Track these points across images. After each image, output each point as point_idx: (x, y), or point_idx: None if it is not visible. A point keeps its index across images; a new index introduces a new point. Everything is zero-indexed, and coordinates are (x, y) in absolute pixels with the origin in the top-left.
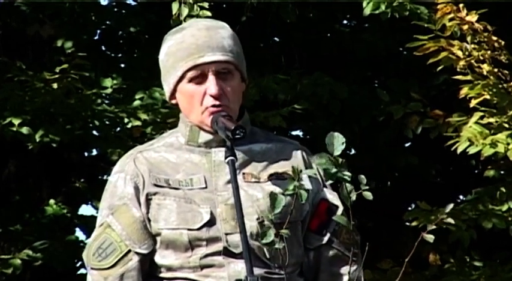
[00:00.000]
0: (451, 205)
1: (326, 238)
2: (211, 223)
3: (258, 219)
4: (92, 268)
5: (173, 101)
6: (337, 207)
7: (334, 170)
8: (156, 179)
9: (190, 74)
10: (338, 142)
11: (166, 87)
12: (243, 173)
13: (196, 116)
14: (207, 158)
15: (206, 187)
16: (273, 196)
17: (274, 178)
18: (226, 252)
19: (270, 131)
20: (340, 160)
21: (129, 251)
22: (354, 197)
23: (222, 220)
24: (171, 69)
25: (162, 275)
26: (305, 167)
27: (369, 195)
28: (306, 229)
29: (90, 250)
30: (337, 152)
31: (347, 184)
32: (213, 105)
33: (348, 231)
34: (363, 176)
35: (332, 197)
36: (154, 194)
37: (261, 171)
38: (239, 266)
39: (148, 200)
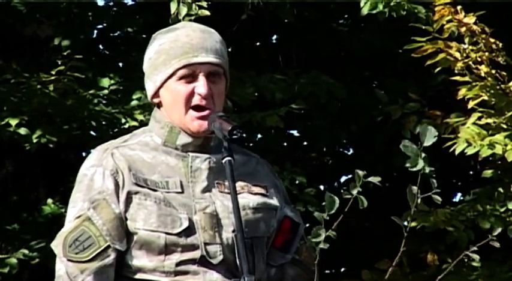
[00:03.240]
0: (499, 230)
1: (290, 256)
2: (190, 229)
3: (233, 231)
4: (68, 260)
5: (155, 100)
6: (298, 224)
7: (418, 161)
8: (137, 178)
9: (181, 73)
10: (431, 135)
11: (150, 85)
12: (217, 183)
13: (179, 115)
14: (183, 163)
15: (182, 192)
16: (329, 198)
17: (246, 191)
18: (203, 261)
19: (267, 131)
20: (424, 154)
21: (108, 246)
22: (419, 200)
23: (201, 229)
24: (161, 66)
25: (130, 275)
26: (272, 181)
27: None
28: (270, 245)
29: (65, 241)
30: (427, 143)
31: (413, 187)
32: (199, 106)
33: (307, 249)
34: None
35: (293, 214)
36: (136, 193)
37: None
38: (214, 276)
39: (128, 199)
